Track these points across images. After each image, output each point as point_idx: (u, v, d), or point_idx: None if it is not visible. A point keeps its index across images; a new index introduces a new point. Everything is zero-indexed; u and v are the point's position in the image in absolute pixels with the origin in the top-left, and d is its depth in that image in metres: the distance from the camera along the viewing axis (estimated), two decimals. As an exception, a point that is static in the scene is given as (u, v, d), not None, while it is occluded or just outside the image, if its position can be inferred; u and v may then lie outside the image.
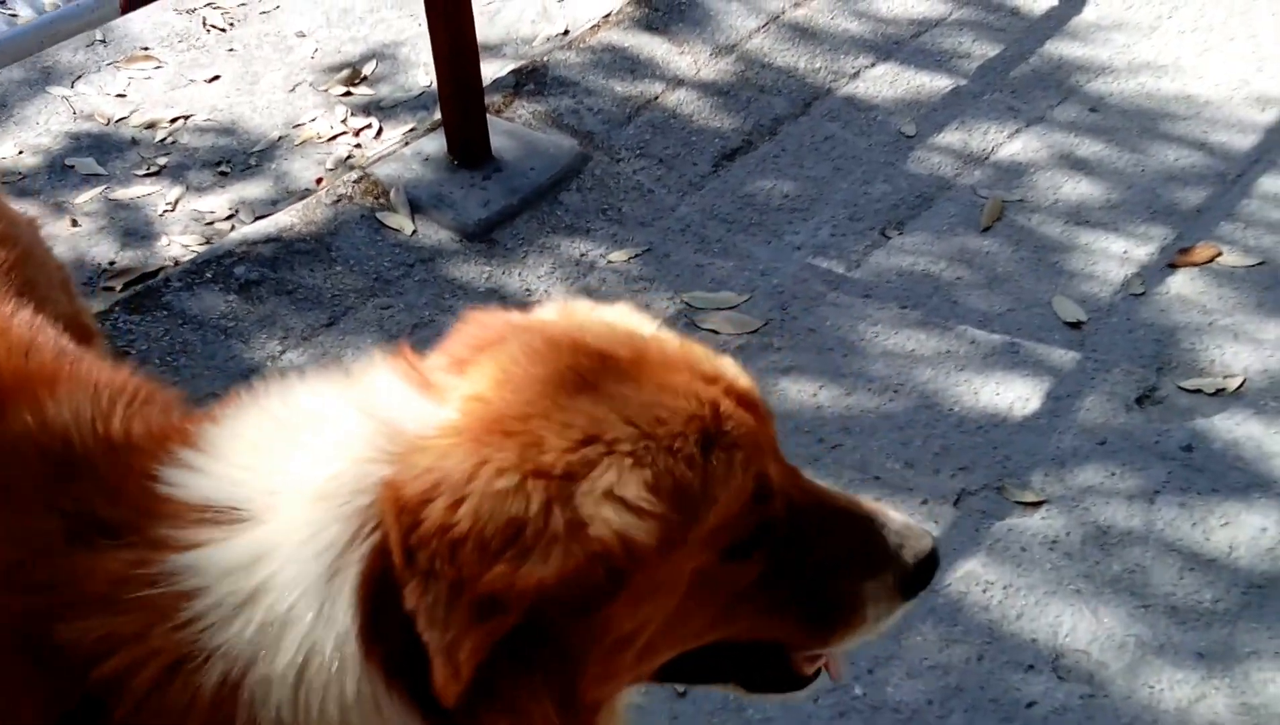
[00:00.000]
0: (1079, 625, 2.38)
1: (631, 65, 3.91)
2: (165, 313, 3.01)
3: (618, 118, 3.72)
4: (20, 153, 3.90)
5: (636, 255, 3.27)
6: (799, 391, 2.88)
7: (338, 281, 3.14)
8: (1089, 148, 3.60)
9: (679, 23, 4.09)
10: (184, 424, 1.24)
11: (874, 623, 1.25)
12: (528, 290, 3.16)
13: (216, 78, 4.17)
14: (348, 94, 4.05)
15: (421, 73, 4.09)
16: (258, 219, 3.41)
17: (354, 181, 3.40)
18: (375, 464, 1.08)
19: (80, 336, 1.68)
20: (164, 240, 3.50)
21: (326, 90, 4.07)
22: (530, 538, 1.02)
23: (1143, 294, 3.11)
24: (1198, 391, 2.84)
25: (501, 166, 3.42)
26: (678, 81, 3.86)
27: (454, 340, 1.22)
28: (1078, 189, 3.45)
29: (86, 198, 3.68)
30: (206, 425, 1.19)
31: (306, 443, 1.12)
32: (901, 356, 2.98)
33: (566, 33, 4.16)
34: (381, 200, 3.36)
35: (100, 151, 3.87)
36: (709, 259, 3.27)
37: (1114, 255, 3.24)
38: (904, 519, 1.28)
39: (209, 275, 3.12)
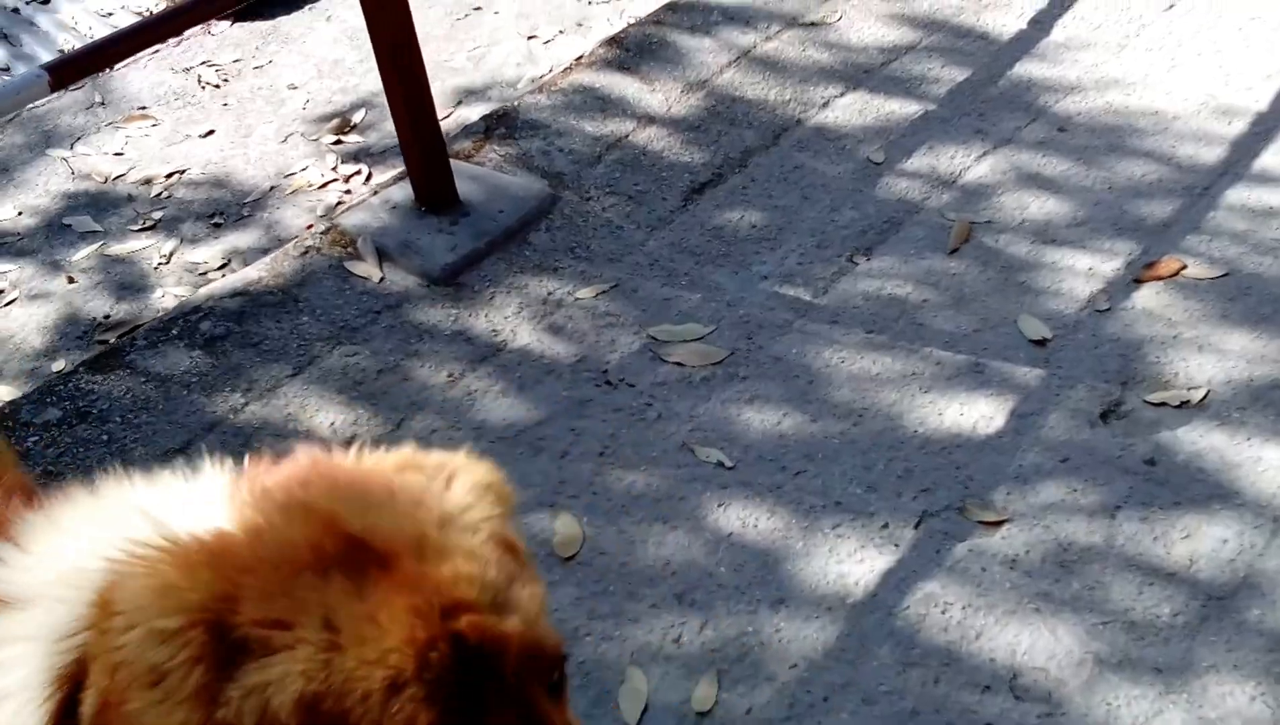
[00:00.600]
0: (1037, 644, 2.39)
1: (602, 105, 3.98)
2: (128, 371, 3.08)
3: (588, 157, 3.78)
4: (20, 214, 4.02)
5: (604, 291, 3.32)
6: (763, 421, 2.91)
7: (304, 332, 3.20)
8: (1057, 166, 3.63)
9: (650, 62, 4.16)
10: (10, 514, 1.28)
11: None
12: (494, 331, 3.21)
13: (211, 132, 4.29)
14: (338, 142, 4.16)
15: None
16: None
17: (321, 232, 3.47)
18: (117, 564, 1.06)
19: None
20: (158, 292, 3.59)
21: (318, 140, 4.18)
22: (167, 686, 0.99)
23: (1108, 310, 3.13)
24: (1162, 404, 2.85)
25: (469, 211, 3.48)
26: (649, 119, 3.93)
27: (275, 468, 1.17)
28: (1045, 207, 3.48)
29: (83, 255, 3.78)
30: (30, 516, 1.22)
31: (88, 536, 1.12)
32: (866, 381, 3.01)
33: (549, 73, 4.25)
34: (350, 250, 3.43)
35: (97, 209, 3.98)
36: (676, 291, 3.31)
37: (1080, 272, 3.26)
38: None
39: (174, 332, 3.19)
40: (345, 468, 1.18)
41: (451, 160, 3.63)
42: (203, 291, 3.35)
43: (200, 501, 1.13)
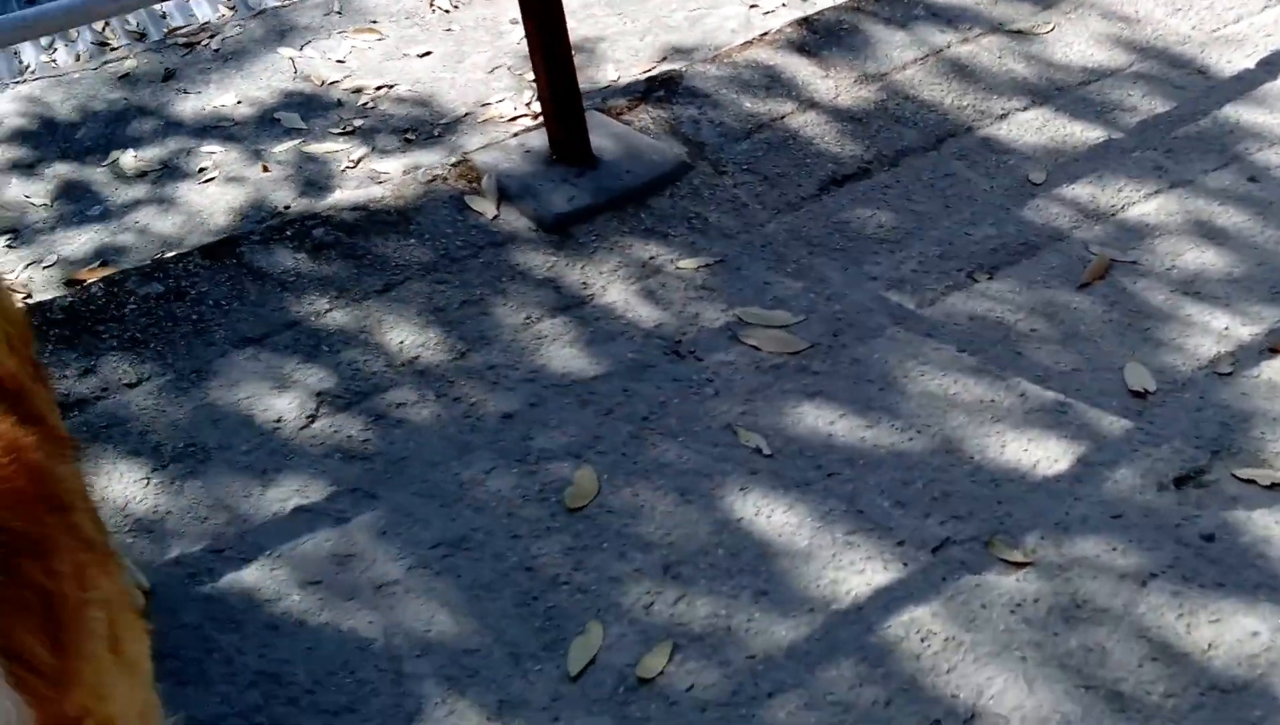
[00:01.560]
0: (1007, 691, 2.31)
1: (768, 83, 4.01)
2: (235, 262, 3.36)
3: (736, 132, 3.82)
4: (239, 102, 4.41)
5: (706, 265, 3.36)
6: (816, 417, 2.90)
7: (405, 253, 3.39)
8: (1231, 217, 3.42)
9: (833, 47, 4.16)
10: None
11: None
12: (584, 284, 3.31)
13: (428, 54, 4.58)
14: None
15: (611, 68, 4.35)
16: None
17: (452, 164, 3.65)
18: None
19: None
20: (336, 194, 3.88)
21: (521, 75, 4.39)
22: None
23: (1229, 374, 2.95)
24: (1250, 482, 2.68)
25: (597, 165, 3.60)
26: (810, 103, 3.93)
27: None
28: (1200, 258, 3.30)
29: (283, 148, 4.13)
30: None
31: None
32: (939, 399, 2.95)
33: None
34: (474, 185, 3.60)
35: (307, 109, 4.33)
36: (779, 278, 3.32)
37: (1213, 330, 3.08)
38: None
39: (289, 233, 3.44)
40: None
41: (599, 115, 3.75)
42: (327, 200, 3.59)
43: None
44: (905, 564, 2.57)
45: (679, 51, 4.46)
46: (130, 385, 3.05)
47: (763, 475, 2.78)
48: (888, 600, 2.51)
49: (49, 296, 3.36)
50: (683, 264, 3.38)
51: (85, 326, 3.17)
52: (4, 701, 1.38)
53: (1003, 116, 3.87)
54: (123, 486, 2.80)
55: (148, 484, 2.82)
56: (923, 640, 2.42)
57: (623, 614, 2.51)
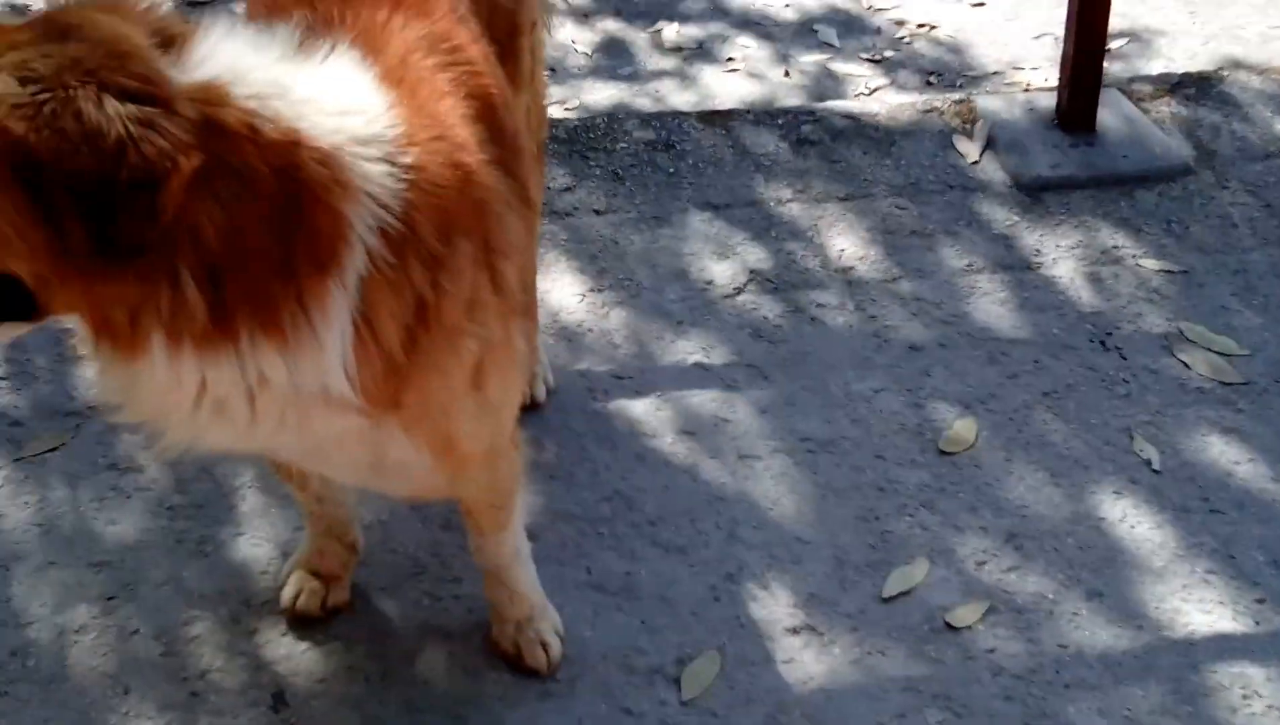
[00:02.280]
0: (1313, 780, 2.22)
1: (1311, 111, 3.79)
2: (724, 132, 3.63)
3: (1254, 151, 3.67)
4: (786, 5, 4.60)
5: (1169, 271, 3.29)
6: (1221, 452, 2.83)
7: (877, 172, 3.53)
8: None
9: (1400, 93, 3.86)
10: None
11: None
12: (1037, 251, 3.33)
13: (981, 4, 4.60)
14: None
15: (1160, 64, 4.22)
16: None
17: (955, 101, 3.74)
18: None
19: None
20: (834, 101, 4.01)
21: None
22: None
23: None
24: None
25: (1095, 143, 3.57)
26: (1350, 145, 3.69)
27: None
28: None
29: (810, 59, 4.33)
30: None
31: None
32: (1365, 480, 2.78)
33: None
34: (966, 126, 3.67)
35: (846, 29, 4.48)
36: (1240, 307, 3.21)
37: None
38: None
39: (779, 122, 3.67)
40: None
41: (1116, 94, 3.71)
42: (828, 103, 3.78)
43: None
44: (1257, 622, 2.50)
45: (1239, 66, 4.20)
46: (598, 212, 3.40)
47: (1143, 487, 2.75)
48: (1223, 648, 2.45)
49: (559, 116, 3.76)
50: (1145, 262, 3.32)
51: (579, 150, 3.55)
52: (333, 357, 1.64)
53: None
54: (560, 295, 3.16)
55: (581, 300, 3.16)
56: (1245, 698, 2.36)
57: (953, 561, 2.60)
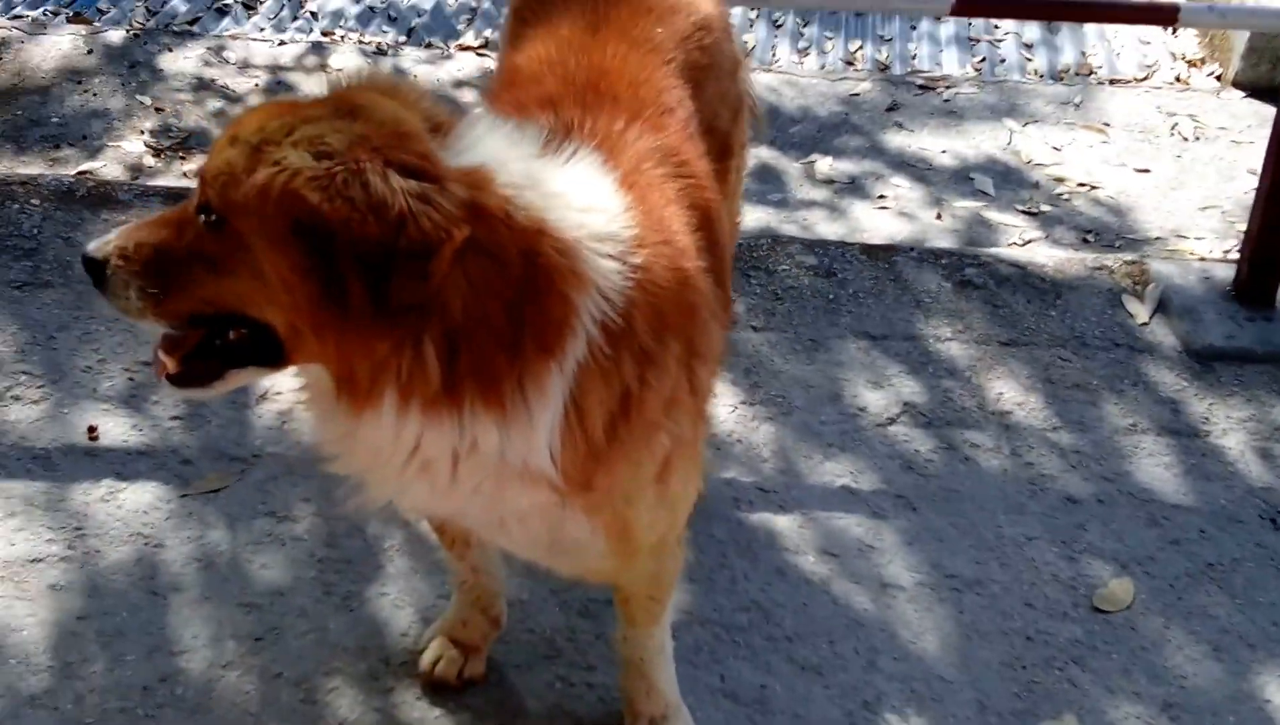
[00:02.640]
0: None
1: None
2: (887, 266, 3.61)
3: None
4: (943, 152, 4.61)
5: (1341, 460, 3.17)
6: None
7: (1042, 322, 3.48)
8: None
9: None
10: None
11: None
12: (1206, 418, 3.23)
13: (1146, 171, 4.55)
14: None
15: None
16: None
17: (1125, 261, 3.68)
18: None
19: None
20: (1002, 247, 3.99)
21: (1234, 223, 4.10)
22: None
23: None
24: None
25: (1274, 319, 3.48)
26: None
27: None
28: None
29: (963, 205, 4.32)
30: None
31: None
32: None
33: None
34: (1136, 286, 3.61)
35: (1002, 180, 4.46)
36: None
37: None
38: None
39: (943, 262, 3.65)
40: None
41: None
42: (993, 249, 3.75)
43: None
44: None
45: None
46: (755, 328, 3.39)
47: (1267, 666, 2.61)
48: None
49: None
50: (1316, 448, 3.20)
51: (741, 267, 3.55)
52: (542, 434, 1.71)
53: None
54: (714, 406, 3.12)
55: (733, 411, 3.13)
56: None
57: (1104, 723, 2.46)
